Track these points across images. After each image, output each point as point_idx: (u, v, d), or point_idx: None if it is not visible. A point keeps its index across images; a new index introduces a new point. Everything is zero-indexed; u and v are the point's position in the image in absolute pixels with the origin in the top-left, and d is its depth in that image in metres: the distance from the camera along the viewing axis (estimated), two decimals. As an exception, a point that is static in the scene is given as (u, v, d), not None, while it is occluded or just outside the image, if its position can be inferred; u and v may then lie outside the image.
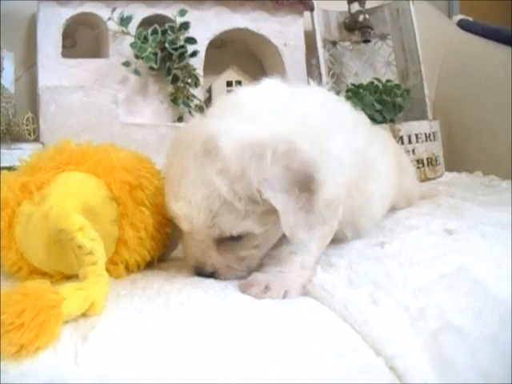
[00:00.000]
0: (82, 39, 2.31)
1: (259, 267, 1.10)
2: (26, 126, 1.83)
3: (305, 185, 0.99)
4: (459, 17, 3.03)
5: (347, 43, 2.82)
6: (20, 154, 1.26)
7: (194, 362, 0.79)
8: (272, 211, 0.99)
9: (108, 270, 1.06)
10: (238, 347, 0.83)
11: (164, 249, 1.24)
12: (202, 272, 1.08)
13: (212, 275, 1.08)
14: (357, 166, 1.20)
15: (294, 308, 0.98)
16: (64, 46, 2.13)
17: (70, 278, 1.03)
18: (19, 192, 1.10)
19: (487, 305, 1.01)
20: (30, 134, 1.84)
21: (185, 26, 2.10)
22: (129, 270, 1.15)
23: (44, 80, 2.03)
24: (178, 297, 0.97)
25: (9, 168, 1.20)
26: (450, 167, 2.62)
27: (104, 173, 1.14)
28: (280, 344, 0.86)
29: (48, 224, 1.01)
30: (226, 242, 1.05)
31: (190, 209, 1.00)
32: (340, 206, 1.17)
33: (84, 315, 0.89)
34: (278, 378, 0.80)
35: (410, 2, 2.67)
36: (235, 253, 1.07)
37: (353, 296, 1.01)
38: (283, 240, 1.09)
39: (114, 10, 2.05)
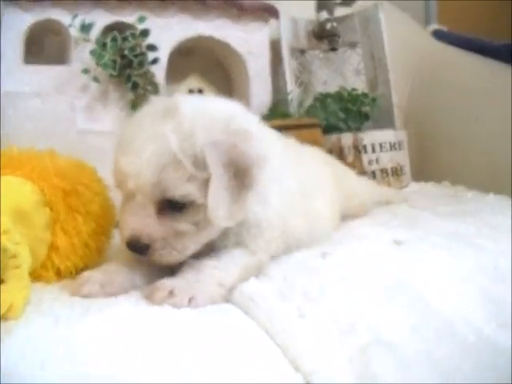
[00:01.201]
0: (50, 46, 2.29)
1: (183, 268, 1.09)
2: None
3: (240, 172, 1.05)
4: (434, 26, 3.04)
5: (316, 52, 2.81)
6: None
7: (103, 368, 0.78)
8: None
9: (39, 275, 1.08)
10: (150, 356, 0.82)
11: (99, 256, 1.24)
12: (136, 246, 1.06)
13: (145, 252, 1.06)
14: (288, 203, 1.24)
15: (214, 317, 0.97)
16: (31, 53, 2.12)
17: None
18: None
19: (424, 319, 0.98)
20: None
21: (145, 33, 2.08)
22: (60, 275, 1.15)
23: (5, 86, 2.01)
24: (99, 304, 0.97)
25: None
26: (420, 177, 2.61)
27: (39, 178, 1.14)
28: (192, 354, 0.84)
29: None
30: (168, 211, 1.06)
31: (139, 163, 1.03)
32: (272, 243, 1.19)
33: (2, 318, 0.88)
34: None
35: (379, 11, 2.67)
36: (174, 226, 1.06)
37: (280, 308, 1.00)
38: (207, 253, 1.12)
39: (75, 16, 2.03)
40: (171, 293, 0.99)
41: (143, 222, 1.05)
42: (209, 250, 1.13)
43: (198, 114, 1.08)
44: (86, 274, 1.07)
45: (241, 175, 1.05)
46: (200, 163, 1.03)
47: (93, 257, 1.21)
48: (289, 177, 1.28)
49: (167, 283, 1.02)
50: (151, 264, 1.11)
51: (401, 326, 0.96)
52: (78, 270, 1.17)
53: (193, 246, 1.09)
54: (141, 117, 1.13)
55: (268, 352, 0.90)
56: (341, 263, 1.18)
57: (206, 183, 1.03)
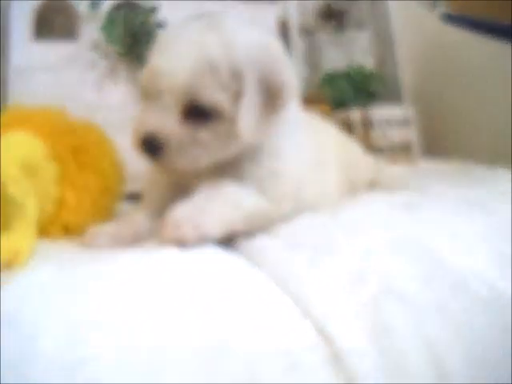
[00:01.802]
0: (61, 26, 2.31)
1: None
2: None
3: (272, 94, 1.07)
4: (441, 9, 3.04)
5: (325, 32, 2.81)
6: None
7: (107, 312, 0.78)
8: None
9: (47, 231, 1.08)
10: (152, 302, 0.82)
11: (107, 215, 1.24)
12: (150, 144, 1.06)
13: (158, 152, 1.06)
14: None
15: (222, 268, 0.96)
16: (40, 31, 2.14)
17: None
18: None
19: (437, 273, 0.97)
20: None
21: (153, 9, 2.11)
22: (68, 231, 1.15)
23: (15, 61, 2.05)
24: (105, 253, 0.98)
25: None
26: (429, 154, 2.60)
27: (48, 134, 1.15)
28: (200, 300, 0.84)
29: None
30: (191, 118, 1.05)
31: (176, 63, 1.04)
32: (283, 200, 1.18)
33: (7, 266, 0.88)
34: (194, 334, 0.78)
35: (387, -11, 2.67)
36: (194, 132, 1.06)
37: (289, 258, 0.99)
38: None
39: (84, -6, 2.06)
40: (177, 225, 0.97)
41: (164, 121, 1.05)
42: None
43: (242, 31, 1.11)
44: (96, 228, 1.08)
45: (272, 96, 1.07)
46: (235, 76, 1.04)
47: (101, 214, 1.21)
48: (306, 141, 1.28)
49: (172, 214, 1.00)
50: (160, 169, 1.13)
51: (412, 278, 0.95)
52: (87, 227, 1.17)
53: (206, 156, 1.08)
54: (183, 25, 1.13)
55: (277, 301, 0.89)
56: (350, 220, 1.18)
57: (235, 97, 1.04)
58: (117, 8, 2.15)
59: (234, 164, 1.14)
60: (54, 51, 2.10)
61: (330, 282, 0.92)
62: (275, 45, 1.14)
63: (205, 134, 1.06)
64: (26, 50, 2.08)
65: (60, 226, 1.15)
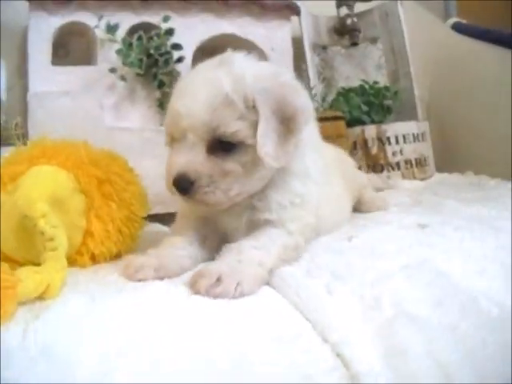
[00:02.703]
0: (76, 48, 2.35)
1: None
2: (15, 130, 1.88)
3: (287, 119, 1.11)
4: (453, 19, 3.04)
5: (338, 47, 2.84)
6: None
7: (137, 342, 0.82)
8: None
9: (74, 260, 1.12)
10: (182, 328, 0.86)
11: (132, 242, 1.28)
12: (182, 183, 1.09)
13: (190, 190, 1.09)
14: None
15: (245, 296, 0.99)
16: (58, 56, 2.18)
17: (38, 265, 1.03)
18: (-6, 183, 1.14)
19: (448, 294, 1.00)
20: (18, 139, 1.90)
21: (170, 32, 2.13)
22: (95, 260, 1.19)
23: (34, 86, 2.07)
24: (133, 284, 1.02)
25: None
26: (442, 168, 2.63)
27: (74, 166, 1.19)
28: (224, 327, 0.88)
29: (15, 211, 1.06)
30: (217, 152, 1.10)
31: (193, 103, 1.10)
32: (308, 227, 1.22)
33: (40, 298, 0.93)
34: (217, 358, 0.82)
35: (398, 4, 2.71)
36: (222, 165, 1.10)
37: (308, 285, 1.02)
38: (246, 232, 1.16)
39: (100, 18, 2.10)
40: (219, 279, 0.99)
41: (191, 159, 1.10)
42: (251, 226, 1.18)
43: (249, 64, 1.16)
44: (138, 259, 1.09)
45: (286, 121, 1.11)
46: (249, 105, 1.09)
47: (126, 243, 1.26)
48: (319, 159, 1.31)
49: (213, 268, 1.02)
50: (194, 205, 1.16)
51: (425, 301, 0.98)
52: (112, 256, 1.22)
53: (237, 187, 1.12)
54: (198, 68, 1.19)
55: (298, 326, 0.92)
56: (366, 244, 1.22)
57: (254, 126, 1.09)
58: (132, 30, 2.18)
59: (260, 193, 1.19)
60: (72, 76, 2.13)
61: (346, 308, 0.96)
62: (285, 74, 1.19)
63: (232, 164, 1.10)
64: (44, 75, 2.10)
65: (87, 255, 1.19)
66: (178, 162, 1.11)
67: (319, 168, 1.27)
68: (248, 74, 1.11)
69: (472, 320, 0.96)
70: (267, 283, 1.06)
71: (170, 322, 0.87)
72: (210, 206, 1.13)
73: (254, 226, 1.18)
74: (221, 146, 1.10)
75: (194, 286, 0.99)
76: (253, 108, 1.09)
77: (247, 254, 1.07)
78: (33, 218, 1.00)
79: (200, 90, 1.11)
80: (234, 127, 1.08)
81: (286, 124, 1.11)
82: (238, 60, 1.16)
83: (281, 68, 1.23)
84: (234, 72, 1.11)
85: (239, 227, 1.19)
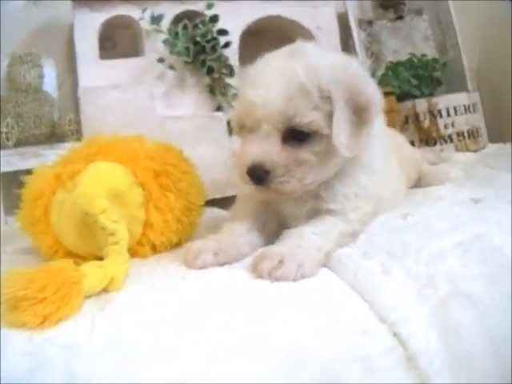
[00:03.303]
0: (121, 39, 2.39)
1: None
2: (69, 126, 1.93)
3: (359, 109, 1.12)
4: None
5: (384, 21, 2.81)
6: (63, 153, 1.34)
7: (201, 328, 0.85)
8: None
9: (135, 251, 1.16)
10: (245, 313, 0.89)
11: (191, 230, 1.31)
12: (257, 172, 1.11)
13: (265, 179, 1.11)
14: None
15: (304, 279, 1.01)
16: (104, 48, 2.23)
17: (101, 259, 1.07)
18: (53, 182, 1.20)
19: (502, 272, 1.02)
20: (72, 134, 1.95)
21: (214, 18, 2.17)
22: (156, 250, 1.23)
23: (84, 82, 2.13)
24: (195, 272, 1.04)
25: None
26: (495, 138, 2.58)
27: (129, 161, 1.22)
28: (284, 310, 0.91)
29: (76, 208, 1.09)
30: (291, 141, 1.12)
31: (268, 93, 1.11)
32: (367, 216, 1.23)
33: (105, 290, 0.97)
34: (277, 340, 0.85)
35: (443, -25, 2.66)
36: (296, 154, 1.11)
37: (365, 266, 1.04)
38: (306, 220, 1.17)
39: (144, 10, 2.14)
40: (281, 262, 1.00)
41: (267, 149, 1.11)
42: (312, 214, 1.19)
43: (321, 55, 1.17)
44: (197, 244, 1.11)
45: (359, 112, 1.12)
46: (324, 96, 1.10)
47: (186, 231, 1.29)
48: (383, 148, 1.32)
49: (275, 250, 1.04)
50: (267, 197, 1.20)
51: (478, 279, 1.00)
52: (173, 245, 1.25)
53: (311, 176, 1.13)
54: (268, 57, 1.20)
55: (355, 307, 0.95)
56: (420, 222, 1.23)
57: (328, 116, 1.10)
58: (177, 19, 2.22)
59: (326, 183, 1.20)
60: (120, 68, 2.18)
61: (402, 287, 0.98)
62: (355, 65, 1.18)
63: (306, 153, 1.12)
64: (93, 69, 2.16)
65: (147, 246, 1.22)
66: (252, 152, 1.11)
67: (382, 157, 1.28)
68: (322, 64, 1.13)
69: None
70: (325, 265, 1.08)
71: (233, 308, 0.90)
72: (285, 195, 1.14)
73: (314, 214, 1.19)
74: (295, 135, 1.11)
75: (256, 269, 1.01)
76: (327, 98, 1.10)
77: (307, 239, 1.09)
78: (93, 215, 1.04)
79: (274, 80, 1.11)
80: (310, 117, 1.09)
81: (359, 114, 1.12)
82: (310, 50, 1.17)
83: (348, 57, 1.22)
84: (308, 62, 1.12)
85: (300, 214, 1.20)
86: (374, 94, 1.14)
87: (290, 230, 1.13)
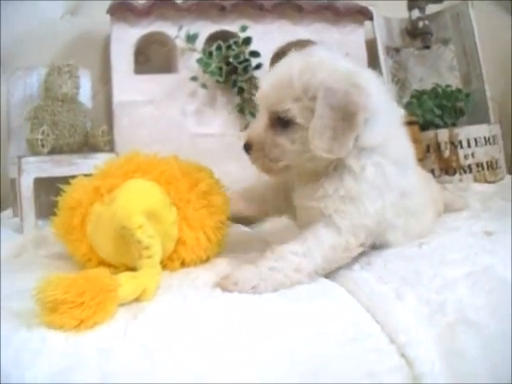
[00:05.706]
0: (155, 55, 2.47)
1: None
2: (102, 137, 2.00)
3: (347, 116, 1.17)
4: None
5: (411, 49, 2.86)
6: (95, 163, 1.40)
7: (228, 340, 0.93)
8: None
9: (165, 265, 1.23)
10: (267, 327, 0.97)
11: (219, 249, 1.38)
12: (244, 146, 1.30)
13: (248, 152, 1.30)
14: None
15: (323, 298, 1.10)
16: (138, 62, 2.29)
17: (132, 269, 1.14)
18: (92, 194, 1.25)
19: (504, 301, 1.09)
20: (105, 145, 2.02)
21: (247, 40, 2.23)
22: (184, 265, 1.29)
23: (118, 95, 2.20)
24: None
25: (85, 175, 1.34)
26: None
27: (166, 181, 1.29)
28: (303, 325, 0.99)
29: (114, 222, 1.16)
30: (276, 126, 1.25)
31: (266, 81, 1.28)
32: (361, 230, 1.23)
33: (137, 300, 1.04)
34: (297, 353, 0.94)
35: (469, 6, 2.71)
36: (274, 137, 1.25)
37: (380, 290, 1.12)
38: (289, 237, 1.22)
39: (180, 28, 2.21)
40: (235, 284, 1.11)
41: (255, 127, 1.31)
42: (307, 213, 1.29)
43: (328, 61, 1.25)
44: (237, 272, 1.15)
45: (347, 118, 1.17)
46: (309, 95, 1.20)
47: (214, 249, 1.35)
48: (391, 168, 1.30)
49: (235, 274, 1.14)
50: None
51: (484, 308, 1.07)
52: (202, 262, 1.32)
53: (284, 159, 1.26)
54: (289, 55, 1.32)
55: (368, 327, 1.03)
56: (434, 252, 1.30)
57: (308, 110, 1.20)
58: (211, 39, 2.28)
59: (315, 182, 1.27)
60: (154, 83, 2.24)
61: (413, 312, 1.06)
62: (364, 77, 1.21)
63: (282, 139, 1.24)
64: (128, 84, 2.22)
65: (178, 261, 1.28)
66: (249, 129, 1.35)
67: (389, 177, 1.26)
68: (323, 68, 1.21)
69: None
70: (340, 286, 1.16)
71: (257, 322, 0.98)
72: (262, 171, 1.32)
73: (309, 214, 1.27)
74: (279, 121, 1.24)
75: (218, 284, 1.13)
76: (312, 96, 1.19)
77: (284, 261, 1.16)
78: (130, 229, 1.11)
79: (275, 71, 1.28)
80: (288, 106, 1.21)
81: (347, 120, 1.17)
82: (319, 53, 1.27)
83: (361, 68, 1.27)
84: (309, 61, 1.23)
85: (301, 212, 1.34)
86: (365, 103, 1.17)
87: (274, 247, 1.19)
